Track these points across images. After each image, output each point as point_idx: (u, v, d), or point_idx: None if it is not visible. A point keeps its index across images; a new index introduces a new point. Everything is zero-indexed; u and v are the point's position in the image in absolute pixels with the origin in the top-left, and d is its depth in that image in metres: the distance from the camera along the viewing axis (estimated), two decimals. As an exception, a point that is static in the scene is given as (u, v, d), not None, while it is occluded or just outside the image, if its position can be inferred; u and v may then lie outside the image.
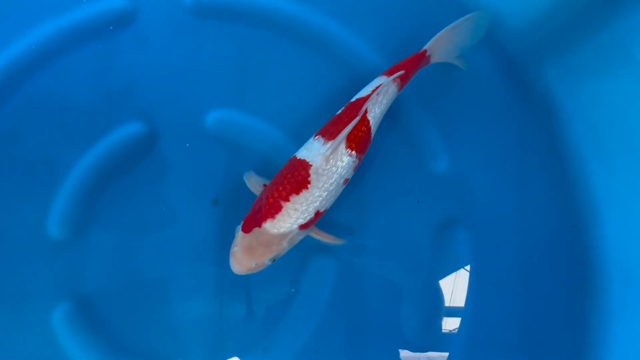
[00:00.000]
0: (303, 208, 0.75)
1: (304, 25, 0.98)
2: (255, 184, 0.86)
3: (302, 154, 0.79)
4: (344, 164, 0.77)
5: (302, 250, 0.88)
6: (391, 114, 0.95)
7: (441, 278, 0.92)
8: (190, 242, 0.90)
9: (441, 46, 0.87)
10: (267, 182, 0.84)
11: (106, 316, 0.87)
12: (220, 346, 0.88)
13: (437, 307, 0.92)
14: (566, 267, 0.93)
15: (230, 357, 0.88)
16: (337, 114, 0.82)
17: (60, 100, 0.94)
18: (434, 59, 0.88)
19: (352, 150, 0.78)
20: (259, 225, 0.74)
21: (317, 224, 0.81)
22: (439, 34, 0.86)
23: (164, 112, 0.94)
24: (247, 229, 0.75)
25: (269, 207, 0.74)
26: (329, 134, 0.78)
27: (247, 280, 0.90)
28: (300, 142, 0.92)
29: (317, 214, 0.77)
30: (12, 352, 0.85)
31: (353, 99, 0.83)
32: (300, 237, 0.79)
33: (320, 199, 0.76)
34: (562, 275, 0.92)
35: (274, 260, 0.76)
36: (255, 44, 0.97)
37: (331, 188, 0.77)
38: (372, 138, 0.82)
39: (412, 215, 0.93)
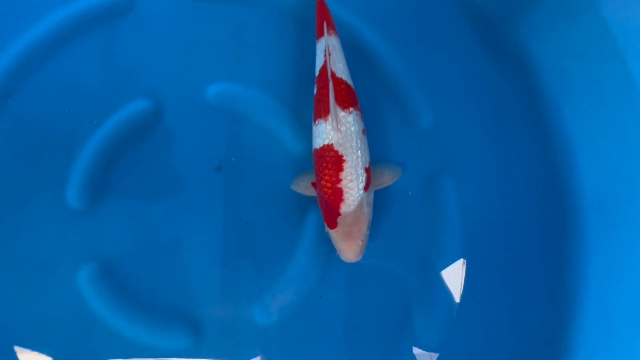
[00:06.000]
0: (354, 175, 0.84)
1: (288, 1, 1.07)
2: (305, 188, 0.92)
3: (317, 142, 0.88)
4: (352, 121, 0.87)
5: (304, 200, 0.96)
6: (376, 78, 1.03)
7: (433, 223, 1.00)
8: (197, 205, 0.98)
9: None
10: (312, 180, 0.91)
11: (125, 275, 0.95)
12: (232, 295, 0.95)
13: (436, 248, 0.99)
14: (545, 206, 1.01)
15: (243, 304, 0.95)
16: (314, 93, 0.91)
17: (71, 85, 1.02)
18: None
19: (348, 107, 0.87)
20: (339, 214, 0.83)
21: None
22: None
23: (167, 89, 1.02)
24: (332, 225, 0.84)
25: (333, 197, 0.83)
26: (323, 112, 0.87)
27: (252, 237, 0.97)
28: (293, 107, 1.02)
29: (367, 170, 0.86)
30: (43, 312, 0.93)
31: (317, 73, 0.92)
32: (372, 196, 0.87)
33: (359, 158, 0.85)
34: (542, 213, 1.01)
35: (370, 227, 0.85)
36: (248, 21, 1.06)
37: (359, 145, 0.86)
38: (353, 87, 0.92)
39: (402, 168, 0.99)
